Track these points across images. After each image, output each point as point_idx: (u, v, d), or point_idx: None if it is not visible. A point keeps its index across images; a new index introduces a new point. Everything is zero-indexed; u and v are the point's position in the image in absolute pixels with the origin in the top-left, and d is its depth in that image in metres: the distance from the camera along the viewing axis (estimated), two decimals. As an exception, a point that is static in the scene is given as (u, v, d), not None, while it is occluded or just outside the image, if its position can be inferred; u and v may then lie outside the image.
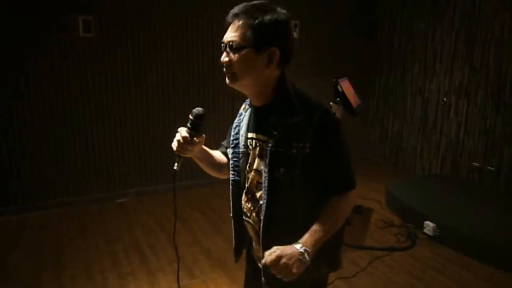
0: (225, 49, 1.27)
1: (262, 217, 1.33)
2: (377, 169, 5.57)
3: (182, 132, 1.36)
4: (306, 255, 1.20)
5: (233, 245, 1.55)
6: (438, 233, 3.50)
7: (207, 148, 1.50)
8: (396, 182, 4.56)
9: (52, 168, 4.09)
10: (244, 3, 1.26)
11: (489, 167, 4.28)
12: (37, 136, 3.98)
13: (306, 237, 1.23)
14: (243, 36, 1.23)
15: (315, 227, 1.25)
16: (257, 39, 1.22)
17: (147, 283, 2.91)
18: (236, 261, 1.57)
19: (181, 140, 1.35)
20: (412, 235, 3.58)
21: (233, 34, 1.24)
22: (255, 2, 1.27)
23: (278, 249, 1.20)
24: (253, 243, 1.47)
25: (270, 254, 1.19)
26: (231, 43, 1.24)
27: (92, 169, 4.28)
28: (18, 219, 3.89)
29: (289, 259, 1.18)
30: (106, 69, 4.16)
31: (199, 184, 4.50)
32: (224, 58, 1.27)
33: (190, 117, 1.37)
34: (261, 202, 1.34)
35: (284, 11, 1.28)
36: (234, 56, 1.25)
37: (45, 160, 4.04)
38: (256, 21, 1.21)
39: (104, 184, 4.35)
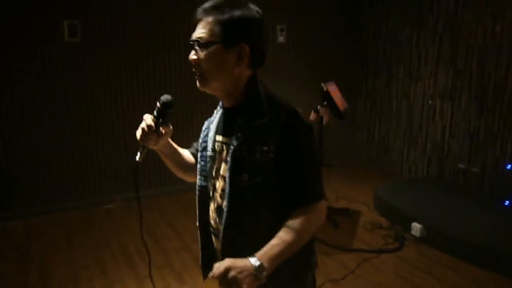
0: (193, 47, 1.20)
1: (222, 228, 1.23)
2: (364, 172, 5.61)
3: (147, 119, 1.25)
4: (260, 270, 1.05)
5: (200, 259, 1.42)
6: (425, 235, 3.54)
7: (175, 144, 1.40)
8: (384, 185, 4.60)
9: (37, 174, 4.03)
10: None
11: (474, 169, 4.35)
12: (21, 142, 3.92)
13: (263, 251, 1.10)
14: (211, 32, 1.16)
15: (274, 241, 1.12)
16: (225, 34, 1.15)
17: (136, 290, 2.88)
18: (204, 278, 1.42)
19: (146, 129, 1.24)
20: (400, 237, 3.61)
21: (202, 30, 1.18)
22: None
23: (228, 260, 1.07)
24: (220, 258, 1.33)
25: (219, 266, 1.06)
26: (199, 39, 1.18)
27: (78, 174, 4.22)
28: (2, 227, 3.81)
29: (239, 272, 1.03)
30: (92, 75, 4.12)
31: (187, 189, 4.47)
32: (192, 56, 1.20)
33: (157, 104, 1.26)
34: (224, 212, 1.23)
35: (258, 9, 1.21)
36: (202, 54, 1.18)
37: (30, 166, 3.98)
38: (225, 16, 1.15)
39: (91, 190, 4.30)
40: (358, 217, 4.14)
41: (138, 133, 1.26)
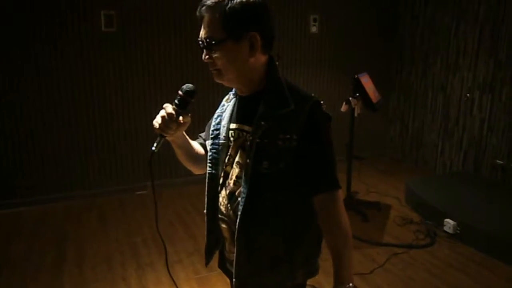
0: (203, 47, 1.19)
1: (239, 213, 1.22)
2: (396, 165, 5.50)
3: (168, 108, 1.23)
4: None
5: (205, 245, 1.45)
6: (458, 231, 3.44)
7: (186, 135, 1.39)
8: (416, 179, 4.49)
9: (75, 160, 4.19)
10: None
11: (513, 165, 4.18)
12: (59, 129, 4.08)
13: (340, 271, 1.14)
14: (217, 29, 1.13)
15: (335, 254, 1.16)
16: (232, 27, 1.12)
17: (166, 274, 2.94)
18: (207, 263, 1.48)
19: (166, 117, 1.21)
20: (432, 232, 3.53)
21: (207, 29, 1.16)
22: None
23: None
24: (226, 245, 1.38)
25: None
26: (207, 39, 1.16)
27: (113, 161, 4.36)
28: (41, 209, 4.00)
29: None
30: (127, 64, 4.22)
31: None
32: (205, 56, 1.19)
33: (180, 92, 1.24)
34: (239, 198, 1.23)
35: None
36: (214, 53, 1.16)
37: (68, 152, 4.14)
38: (227, 9, 1.11)
39: (124, 177, 4.43)
40: (388, 211, 4.07)
41: (157, 122, 1.24)
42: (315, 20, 5.01)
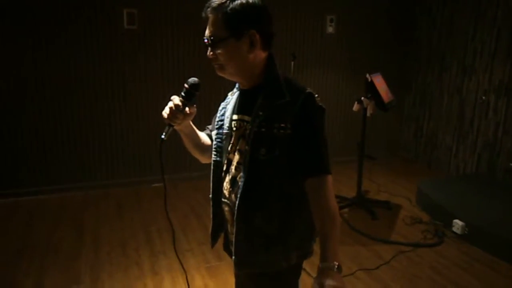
0: (208, 45, 1.31)
1: (238, 196, 1.33)
2: (409, 167, 5.50)
3: (175, 100, 1.36)
4: (338, 267, 1.14)
5: (210, 228, 1.55)
6: (467, 232, 3.45)
7: (194, 126, 1.51)
8: (428, 180, 4.51)
9: (94, 152, 4.37)
10: None
11: (527, 169, 4.15)
12: (80, 121, 4.26)
13: (326, 251, 1.16)
14: (220, 28, 1.26)
15: (322, 235, 1.20)
16: (233, 26, 1.25)
17: (177, 262, 3.07)
18: (212, 246, 1.57)
19: (173, 108, 1.34)
20: (440, 232, 3.56)
21: (211, 28, 1.28)
22: None
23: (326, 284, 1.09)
24: (229, 227, 1.48)
25: None
26: (211, 38, 1.28)
27: (131, 154, 4.52)
28: (61, 198, 4.19)
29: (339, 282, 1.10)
30: (147, 59, 4.37)
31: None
32: (209, 53, 1.33)
33: (185, 85, 1.37)
34: (240, 183, 1.34)
35: None
36: (217, 50, 1.29)
37: (88, 144, 4.33)
38: (228, 10, 1.24)
39: (141, 169, 4.59)
40: (398, 210, 4.10)
41: (165, 112, 1.36)
42: (331, 21, 5.07)
